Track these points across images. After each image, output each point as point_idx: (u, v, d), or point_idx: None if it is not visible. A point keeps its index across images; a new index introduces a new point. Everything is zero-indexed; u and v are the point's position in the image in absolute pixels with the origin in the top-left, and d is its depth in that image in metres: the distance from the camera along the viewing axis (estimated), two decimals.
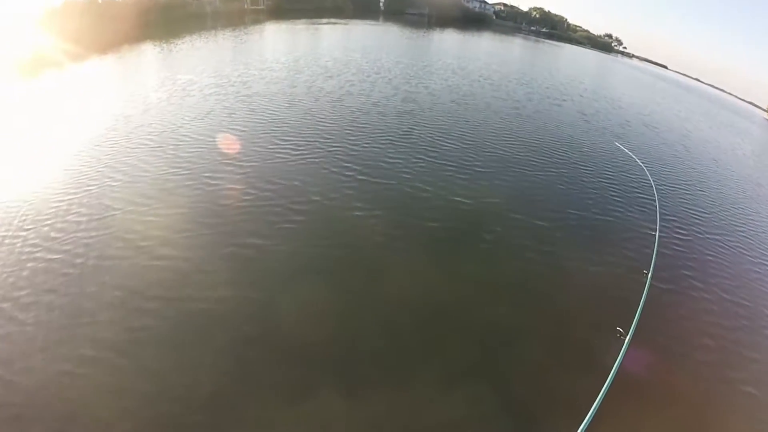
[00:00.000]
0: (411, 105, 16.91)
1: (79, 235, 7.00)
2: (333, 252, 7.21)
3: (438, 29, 64.02)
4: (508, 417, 4.92)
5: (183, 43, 27.39)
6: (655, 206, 10.70)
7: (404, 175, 10.38)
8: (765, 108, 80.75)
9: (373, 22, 60.00)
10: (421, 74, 24.10)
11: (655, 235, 8.86)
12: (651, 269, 7.11)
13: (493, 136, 14.80)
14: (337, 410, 4.58)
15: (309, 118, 13.64)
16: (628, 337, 3.93)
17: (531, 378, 5.50)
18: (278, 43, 32.86)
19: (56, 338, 5.13)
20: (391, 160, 11.15)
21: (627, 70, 76.45)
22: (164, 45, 26.25)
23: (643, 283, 6.71)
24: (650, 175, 13.22)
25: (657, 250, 8.15)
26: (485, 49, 49.47)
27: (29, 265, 6.26)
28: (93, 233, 7.06)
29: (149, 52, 24.39)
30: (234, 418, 4.38)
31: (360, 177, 9.95)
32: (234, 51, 26.57)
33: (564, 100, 24.39)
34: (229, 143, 11.04)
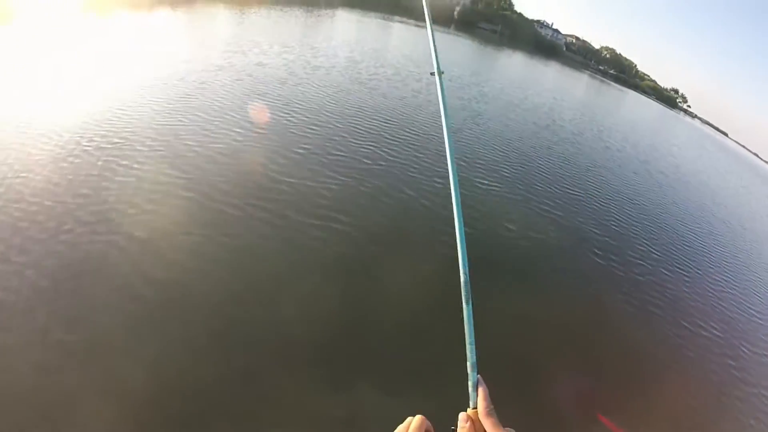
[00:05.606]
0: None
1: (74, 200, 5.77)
2: (345, 250, 6.40)
3: (507, 49, 61.82)
4: None
5: (255, 13, 26.39)
6: None
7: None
8: None
9: (444, 30, 58.17)
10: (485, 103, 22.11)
11: None
12: None
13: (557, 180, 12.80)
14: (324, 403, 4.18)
15: (347, 118, 11.75)
16: None
17: None
18: (346, 33, 31.40)
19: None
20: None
21: (691, 133, 72.47)
22: (237, 10, 25.27)
23: None
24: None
25: None
26: (553, 83, 47.09)
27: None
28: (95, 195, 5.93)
29: (221, 14, 23.38)
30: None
31: (403, 188, 8.72)
32: (302, 31, 25.32)
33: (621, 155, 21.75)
34: (261, 121, 9.92)
